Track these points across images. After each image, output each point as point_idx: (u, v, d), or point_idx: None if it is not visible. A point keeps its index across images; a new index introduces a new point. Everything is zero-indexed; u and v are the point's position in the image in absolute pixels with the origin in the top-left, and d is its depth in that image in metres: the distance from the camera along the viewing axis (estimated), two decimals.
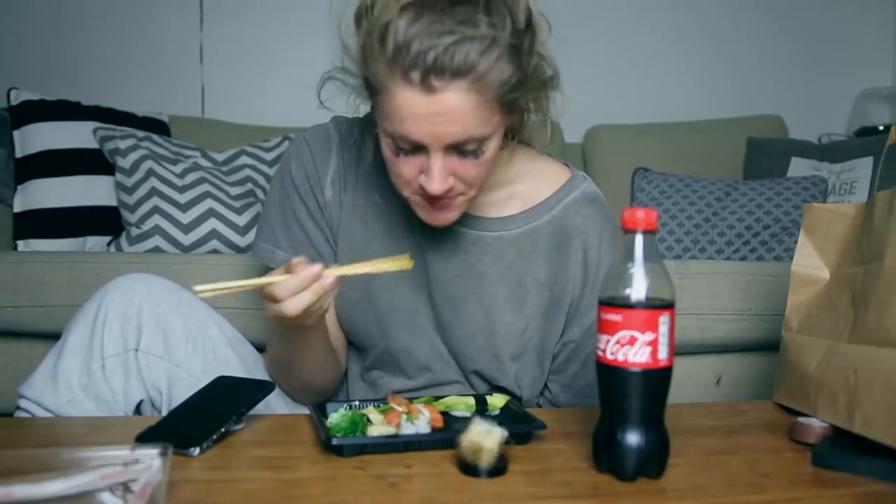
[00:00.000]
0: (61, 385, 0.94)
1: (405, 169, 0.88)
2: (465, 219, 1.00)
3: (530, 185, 1.04)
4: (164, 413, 0.98)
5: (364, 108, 0.95)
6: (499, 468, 0.74)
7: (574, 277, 1.03)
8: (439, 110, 0.80)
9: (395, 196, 0.98)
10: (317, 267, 0.80)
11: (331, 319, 1.07)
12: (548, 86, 0.92)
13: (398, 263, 0.86)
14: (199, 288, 0.79)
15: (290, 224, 1.04)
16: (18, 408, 0.96)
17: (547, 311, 1.04)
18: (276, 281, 0.81)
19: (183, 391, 0.96)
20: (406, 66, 0.79)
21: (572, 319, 1.05)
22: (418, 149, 0.85)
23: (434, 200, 0.90)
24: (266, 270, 1.11)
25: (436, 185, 0.86)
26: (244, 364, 1.03)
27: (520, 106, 0.90)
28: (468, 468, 0.74)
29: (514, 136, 1.01)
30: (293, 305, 0.81)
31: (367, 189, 1.04)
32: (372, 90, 0.86)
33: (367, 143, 1.01)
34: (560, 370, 1.08)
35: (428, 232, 1.01)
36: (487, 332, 1.03)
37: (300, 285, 0.80)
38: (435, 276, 1.03)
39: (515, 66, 0.83)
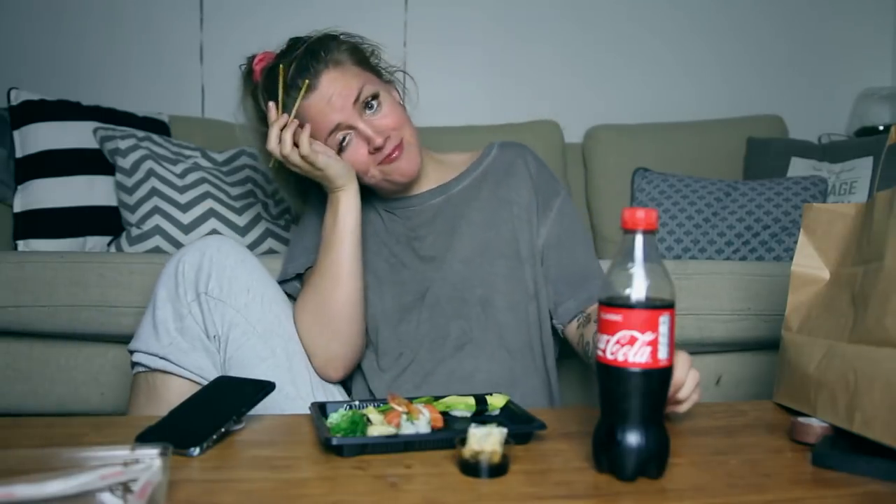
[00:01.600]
0: (161, 332, 1.09)
1: (357, 154, 1.17)
2: (431, 195, 1.27)
3: (463, 156, 1.34)
4: (223, 357, 1.10)
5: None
6: (499, 468, 0.74)
7: (523, 185, 1.26)
8: (326, 92, 1.15)
9: (376, 211, 1.28)
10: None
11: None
12: (375, 55, 1.26)
13: None
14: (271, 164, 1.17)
15: (304, 236, 1.28)
16: (133, 363, 1.12)
17: (519, 222, 1.24)
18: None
19: (239, 336, 1.09)
20: (298, 88, 1.15)
21: (540, 218, 1.25)
22: (347, 133, 1.16)
23: (388, 156, 1.17)
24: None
25: (376, 137, 1.15)
26: (290, 321, 1.15)
27: (378, 71, 1.24)
28: (468, 468, 0.74)
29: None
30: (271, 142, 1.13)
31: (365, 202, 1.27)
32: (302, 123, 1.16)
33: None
34: (552, 264, 1.23)
35: (412, 220, 1.26)
36: (481, 249, 1.22)
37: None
38: (431, 239, 1.24)
39: (354, 50, 1.21)
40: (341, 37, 1.22)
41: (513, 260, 1.21)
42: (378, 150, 1.16)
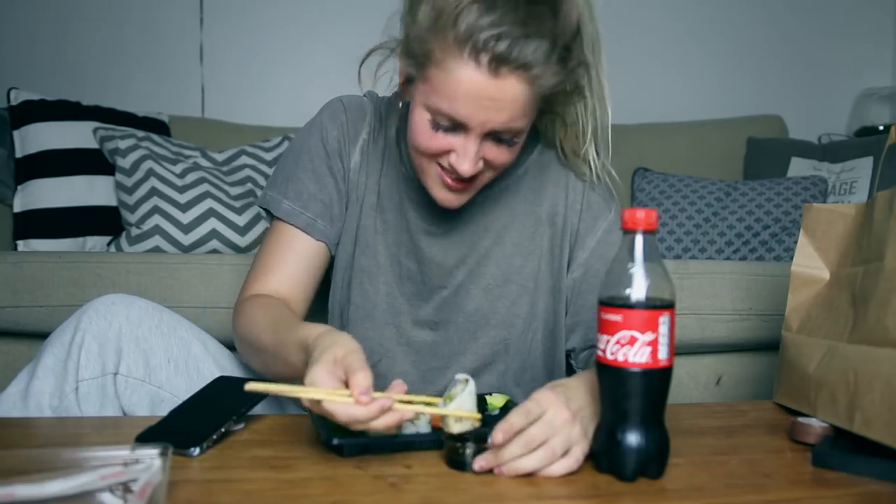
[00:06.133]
0: (31, 406, 0.92)
1: (435, 143, 0.90)
2: None
3: None
4: None
5: (387, 84, 0.99)
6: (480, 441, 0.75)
7: (569, 203, 1.06)
8: (495, 95, 0.84)
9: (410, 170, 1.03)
10: (386, 401, 0.73)
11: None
12: (579, 94, 0.97)
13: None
14: (250, 386, 0.74)
15: (303, 175, 1.03)
16: None
17: (552, 248, 1.06)
18: (337, 400, 0.73)
19: (167, 408, 0.93)
20: (477, 48, 0.82)
21: (575, 245, 1.06)
22: (457, 128, 0.88)
23: (456, 180, 0.93)
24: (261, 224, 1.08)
25: (467, 167, 0.89)
26: (219, 366, 1.02)
27: (552, 109, 0.97)
28: (453, 462, 0.75)
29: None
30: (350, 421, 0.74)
31: (390, 160, 1.06)
32: (424, 63, 0.87)
33: (392, 119, 1.06)
34: (579, 306, 1.05)
35: (429, 207, 1.03)
36: (502, 280, 1.05)
37: (366, 416, 0.72)
38: (445, 245, 1.05)
39: (564, 69, 0.88)
40: (567, 44, 0.87)
41: (537, 295, 1.06)
42: (455, 173, 0.91)
